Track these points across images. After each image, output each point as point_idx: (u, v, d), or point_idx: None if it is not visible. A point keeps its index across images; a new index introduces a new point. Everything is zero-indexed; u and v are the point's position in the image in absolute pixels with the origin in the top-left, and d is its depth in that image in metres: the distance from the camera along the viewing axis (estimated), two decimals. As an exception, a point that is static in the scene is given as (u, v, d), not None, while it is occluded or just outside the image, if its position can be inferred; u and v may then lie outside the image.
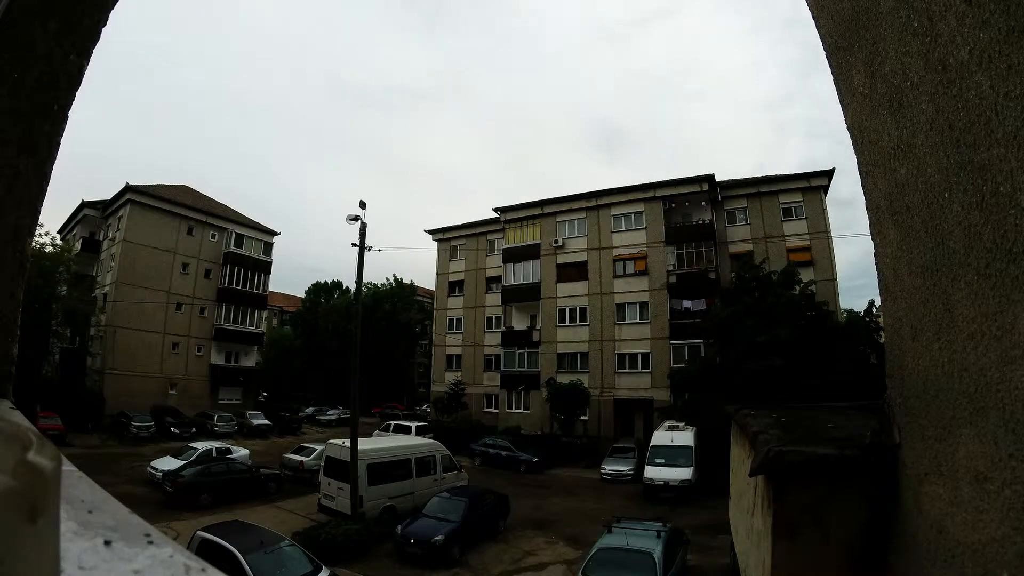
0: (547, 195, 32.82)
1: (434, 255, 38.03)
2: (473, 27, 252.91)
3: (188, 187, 37.15)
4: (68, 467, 0.62)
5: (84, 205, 34.93)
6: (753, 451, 2.87)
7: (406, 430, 26.76)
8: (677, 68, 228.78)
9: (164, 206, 33.01)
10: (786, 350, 17.46)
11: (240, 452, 20.53)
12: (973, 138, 1.24)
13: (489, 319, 34.32)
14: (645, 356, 27.47)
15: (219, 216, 36.09)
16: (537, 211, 32.41)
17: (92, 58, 1.34)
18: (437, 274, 37.89)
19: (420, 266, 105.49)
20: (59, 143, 1.29)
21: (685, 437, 19.44)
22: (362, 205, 15.43)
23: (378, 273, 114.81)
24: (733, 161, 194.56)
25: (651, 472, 18.55)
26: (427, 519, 12.69)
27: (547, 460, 23.88)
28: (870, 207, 1.94)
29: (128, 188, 31.90)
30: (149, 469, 17.99)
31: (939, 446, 1.57)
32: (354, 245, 15.50)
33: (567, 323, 30.12)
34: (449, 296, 37.00)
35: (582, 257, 30.48)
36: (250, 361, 37.38)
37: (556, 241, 31.21)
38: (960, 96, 1.27)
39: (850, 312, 21.83)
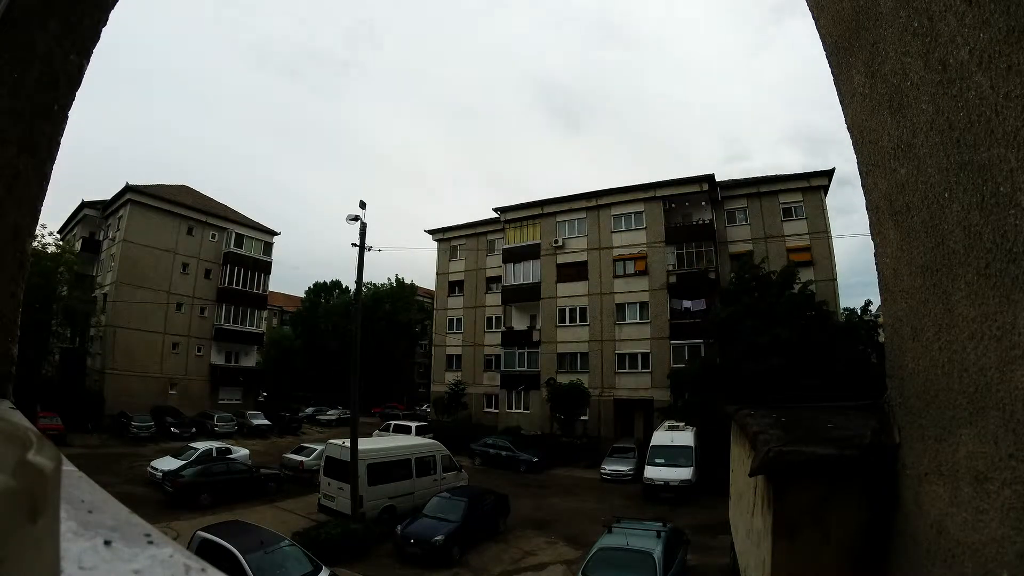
0: (547, 195, 32.94)
1: (434, 255, 38.09)
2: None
3: (188, 187, 37.16)
4: (68, 467, 0.62)
5: (84, 205, 34.94)
6: (753, 451, 2.87)
7: (406, 430, 26.76)
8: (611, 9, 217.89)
9: (164, 206, 33.01)
10: (786, 350, 17.46)
11: (240, 452, 20.53)
12: (973, 138, 1.24)
13: (489, 319, 34.32)
14: (645, 356, 27.48)
15: (219, 216, 36.09)
16: (537, 211, 32.42)
17: (92, 58, 1.34)
18: (437, 274, 37.90)
19: (420, 266, 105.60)
20: (59, 143, 1.29)
21: (685, 437, 19.44)
22: (362, 205, 15.44)
23: (378, 273, 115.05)
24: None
25: (651, 472, 18.55)
26: (427, 519, 12.69)
27: (547, 460, 23.88)
28: (870, 207, 1.94)
29: (128, 188, 31.91)
30: (149, 469, 17.98)
31: (939, 446, 1.57)
32: (354, 245, 15.51)
33: (567, 323, 30.12)
34: (449, 296, 37.01)
35: (582, 257, 30.49)
36: (250, 361, 37.39)
37: (556, 241, 31.21)
38: (960, 96, 1.27)
39: (850, 312, 21.80)
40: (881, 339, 17.38)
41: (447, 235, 37.69)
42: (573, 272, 30.49)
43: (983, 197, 1.23)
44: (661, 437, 19.91)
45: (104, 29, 1.36)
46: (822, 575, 2.25)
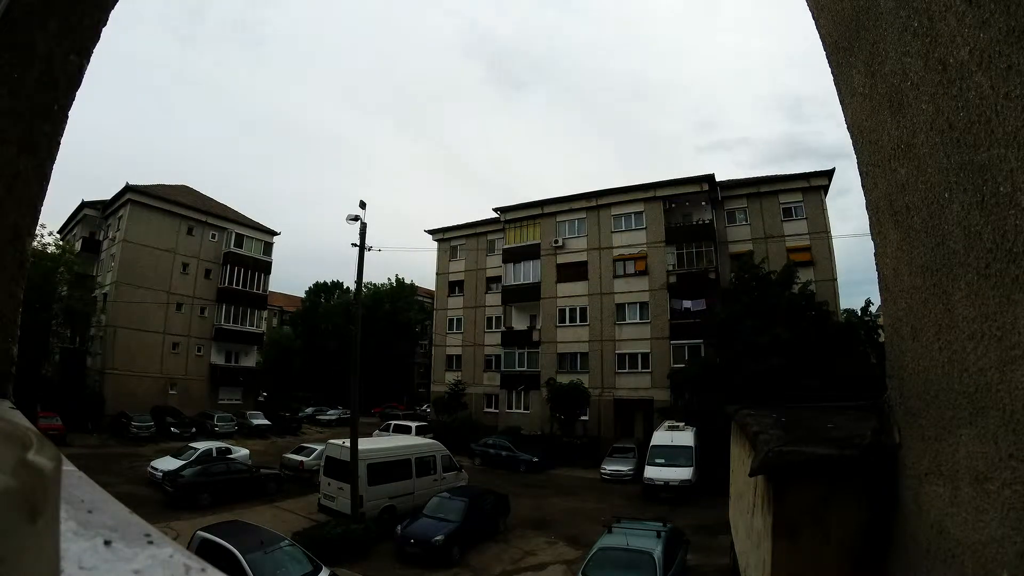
0: (546, 195, 32.95)
1: (434, 255, 38.09)
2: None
3: (188, 187, 37.15)
4: (68, 467, 0.62)
5: (84, 205, 34.94)
6: (753, 451, 2.87)
7: (406, 430, 26.75)
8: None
9: (164, 206, 33.00)
10: (786, 350, 17.46)
11: (240, 452, 20.52)
12: (973, 138, 1.24)
13: (489, 319, 34.31)
14: (645, 356, 27.47)
15: (219, 216, 36.08)
16: (537, 211, 32.42)
17: (92, 58, 1.34)
18: (437, 274, 37.89)
19: (420, 266, 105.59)
20: (59, 143, 1.29)
21: (685, 437, 19.44)
22: (362, 205, 15.43)
23: (378, 273, 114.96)
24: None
25: (651, 472, 18.55)
26: (427, 519, 12.69)
27: (547, 460, 23.88)
28: (870, 207, 1.94)
29: (128, 188, 31.90)
30: (149, 469, 17.99)
31: (939, 446, 1.57)
32: (354, 245, 15.50)
33: (567, 323, 30.12)
34: (449, 296, 37.00)
35: (582, 257, 30.48)
36: (250, 361, 37.37)
37: (556, 241, 31.21)
38: (960, 96, 1.27)
39: (850, 312, 21.81)
40: (881, 339, 17.39)
41: (447, 235, 37.68)
42: (573, 272, 30.48)
43: (983, 197, 1.23)
44: (661, 437, 19.90)
45: (104, 29, 1.36)
46: (822, 575, 2.25)
